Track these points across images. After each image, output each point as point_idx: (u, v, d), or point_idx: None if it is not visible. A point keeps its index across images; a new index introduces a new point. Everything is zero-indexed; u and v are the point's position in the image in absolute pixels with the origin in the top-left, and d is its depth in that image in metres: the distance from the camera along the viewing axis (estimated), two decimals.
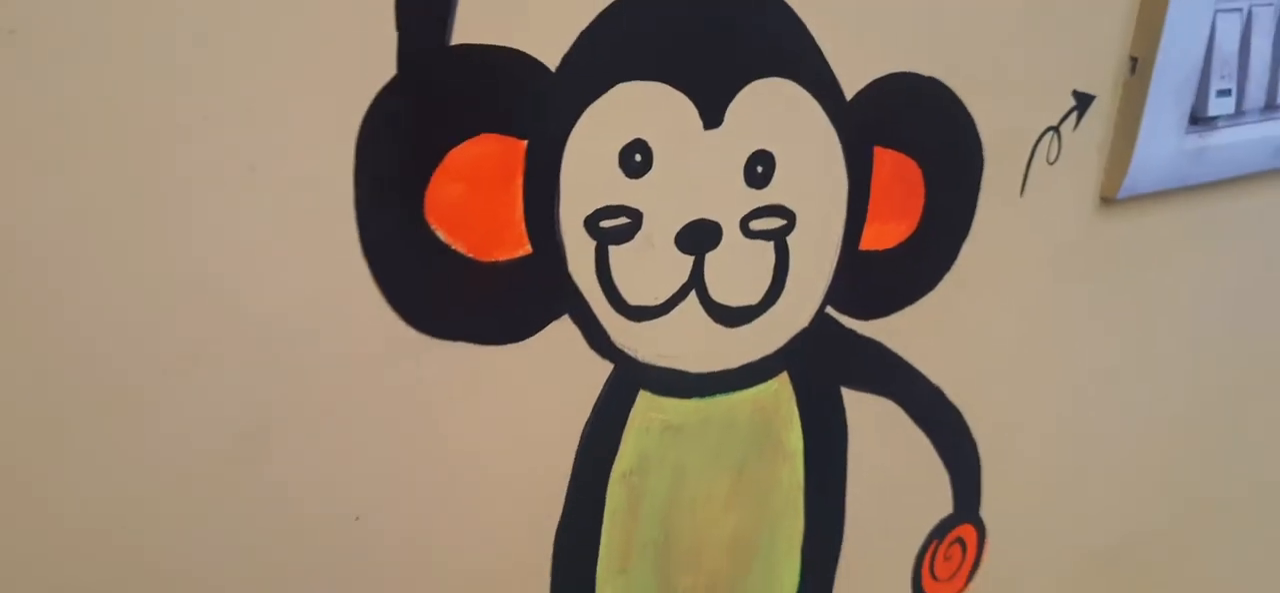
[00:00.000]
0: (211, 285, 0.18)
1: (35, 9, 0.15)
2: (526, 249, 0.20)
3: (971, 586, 0.32)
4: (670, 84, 0.21)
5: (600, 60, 0.20)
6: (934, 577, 0.31)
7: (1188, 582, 0.37)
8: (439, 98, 0.19)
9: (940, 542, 0.31)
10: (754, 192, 0.23)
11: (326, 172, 0.18)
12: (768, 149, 0.22)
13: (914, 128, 0.24)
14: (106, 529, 0.18)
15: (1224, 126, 0.29)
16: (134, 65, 0.16)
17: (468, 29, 0.18)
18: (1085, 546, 0.34)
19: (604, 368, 0.22)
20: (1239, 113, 0.29)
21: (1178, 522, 0.36)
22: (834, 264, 0.25)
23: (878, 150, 0.24)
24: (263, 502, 0.19)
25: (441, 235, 0.20)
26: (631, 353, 0.23)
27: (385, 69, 0.18)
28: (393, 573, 0.21)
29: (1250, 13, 0.28)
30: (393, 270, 0.19)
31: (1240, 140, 0.30)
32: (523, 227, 0.20)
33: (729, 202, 0.22)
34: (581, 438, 0.23)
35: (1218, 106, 0.28)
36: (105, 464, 0.18)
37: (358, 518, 0.20)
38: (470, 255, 0.20)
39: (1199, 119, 0.29)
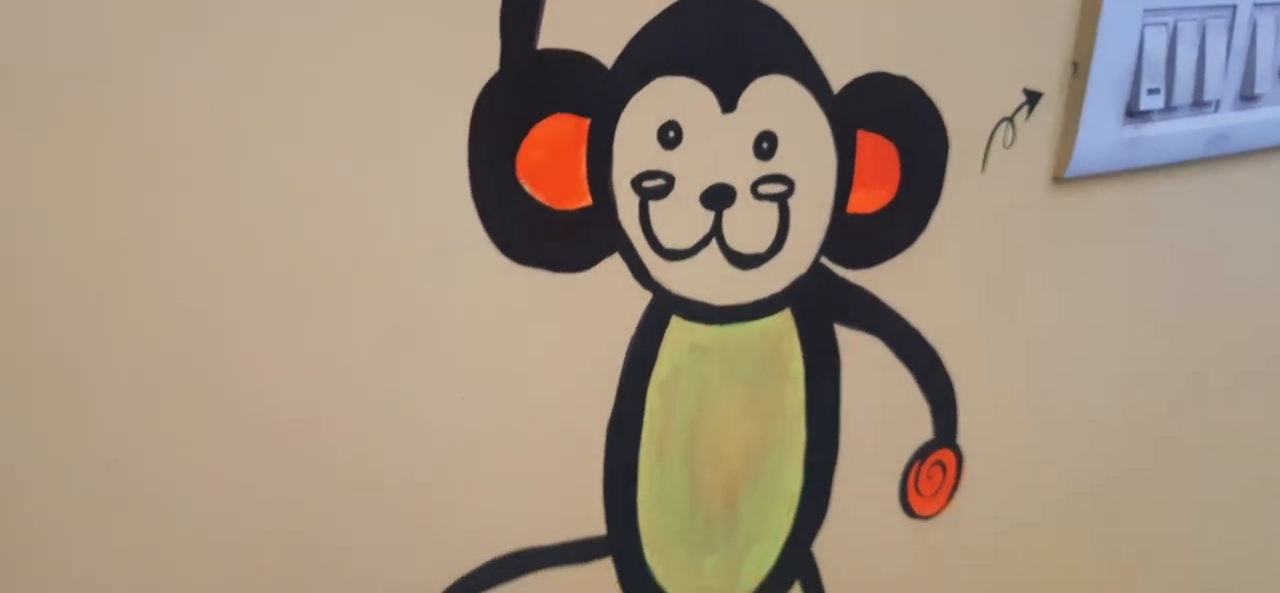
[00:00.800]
0: (374, 220, 0.25)
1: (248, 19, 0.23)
2: (588, 201, 0.27)
3: (953, 503, 0.38)
4: (696, 78, 0.28)
5: (643, 60, 0.27)
6: (919, 493, 0.37)
7: (1136, 511, 0.43)
8: (527, 87, 0.26)
9: (923, 463, 0.37)
10: (761, 163, 0.29)
11: (450, 141, 0.25)
12: (771, 130, 0.29)
13: (890, 116, 0.31)
14: (302, 397, 0.25)
15: (1157, 120, 0.36)
16: (324, 81, 0.24)
17: (548, 38, 0.26)
18: (1052, 478, 0.40)
19: (645, 297, 0.29)
20: (1169, 108, 0.36)
21: (1126, 459, 0.42)
22: (826, 223, 0.31)
23: (861, 133, 0.31)
24: (400, 374, 0.27)
25: (527, 189, 0.27)
26: (666, 286, 0.29)
27: (490, 66, 0.25)
28: (487, 445, 0.28)
29: (1176, 27, 0.35)
30: (492, 213, 0.26)
31: (1170, 132, 0.36)
32: (585, 184, 0.27)
33: (741, 169, 0.29)
34: (627, 351, 0.30)
35: (1149, 102, 0.35)
36: (305, 348, 0.25)
37: (463, 398, 0.28)
38: (547, 204, 0.27)
39: (1134, 113, 0.35)
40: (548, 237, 0.27)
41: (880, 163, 0.31)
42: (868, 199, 0.32)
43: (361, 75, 0.24)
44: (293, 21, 0.23)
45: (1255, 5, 0.36)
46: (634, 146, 0.27)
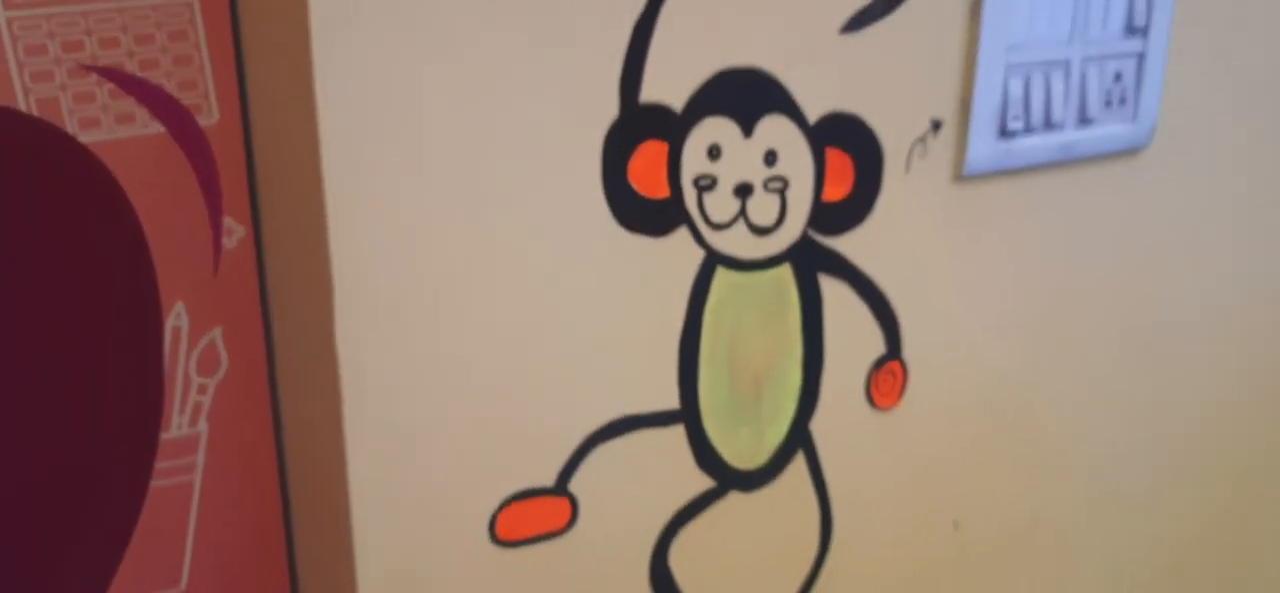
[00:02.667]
0: (554, 207, 0.43)
1: None
2: (667, 193, 0.46)
3: (903, 399, 0.56)
4: (729, 118, 0.46)
5: (699, 108, 0.45)
6: (878, 390, 0.55)
7: (1032, 409, 0.61)
8: (633, 126, 0.44)
9: (879, 370, 0.55)
10: (768, 168, 0.48)
11: (591, 157, 0.43)
12: (774, 148, 0.48)
13: (846, 138, 0.49)
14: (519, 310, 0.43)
15: (1020, 136, 0.54)
16: (528, 128, 0.42)
17: (645, 96, 0.44)
18: (971, 383, 0.58)
19: (700, 253, 0.47)
20: (1028, 129, 0.54)
21: (1019, 366, 0.60)
22: (809, 207, 0.49)
23: (828, 149, 0.49)
24: (574, 294, 0.44)
25: (633, 185, 0.45)
26: (714, 246, 0.48)
27: (613, 114, 0.43)
28: (606, 342, 0.46)
29: (1028, 75, 0.54)
30: (614, 200, 0.44)
31: (1030, 145, 0.54)
32: (666, 183, 0.45)
33: (757, 173, 0.47)
34: (692, 286, 0.47)
35: (1013, 125, 0.53)
36: (529, 271, 0.43)
37: (596, 314, 0.45)
38: (644, 194, 0.45)
39: (1004, 132, 0.54)
40: (644, 214, 0.45)
41: (841, 168, 0.50)
42: (835, 191, 0.50)
43: (550, 123, 0.42)
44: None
45: (1084, 61, 0.55)
46: (693, 159, 0.46)
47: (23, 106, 0.40)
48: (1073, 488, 0.65)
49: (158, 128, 0.42)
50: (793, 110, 0.48)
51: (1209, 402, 0.68)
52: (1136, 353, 0.64)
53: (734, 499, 0.52)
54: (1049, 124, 0.55)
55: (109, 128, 0.41)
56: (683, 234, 0.47)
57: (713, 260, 0.48)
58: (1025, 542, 0.64)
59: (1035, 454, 0.63)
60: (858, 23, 0.48)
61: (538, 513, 0.46)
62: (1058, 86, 0.55)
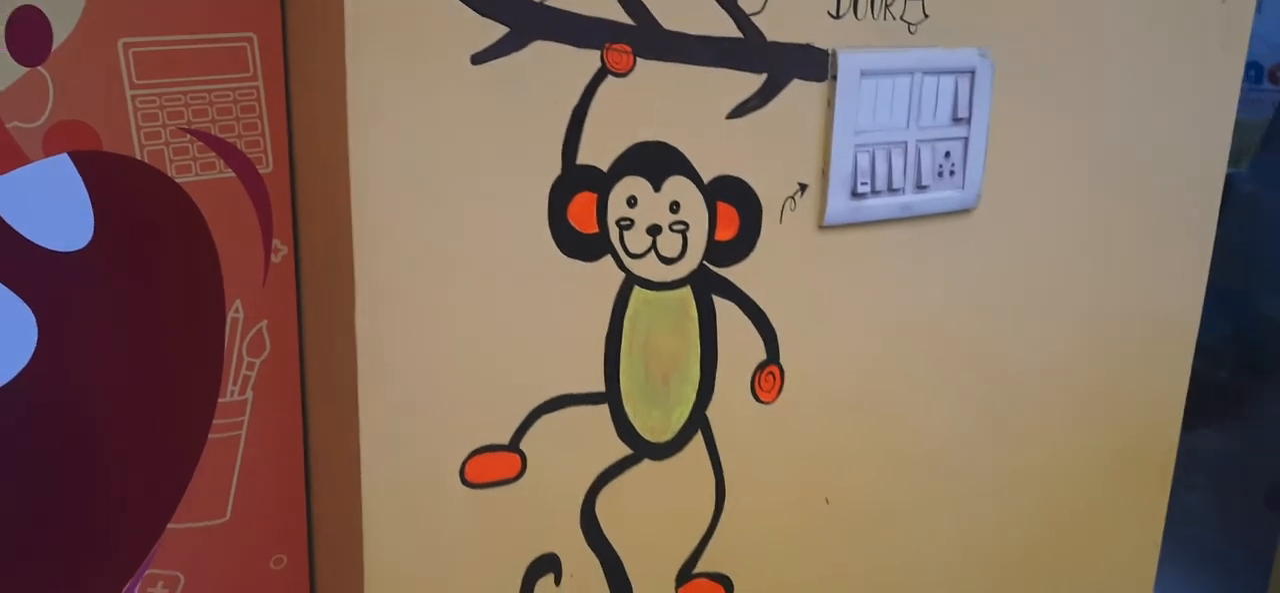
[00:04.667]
0: (515, 237, 0.59)
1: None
2: (596, 229, 0.62)
3: (782, 396, 0.72)
4: (643, 177, 0.63)
5: (621, 169, 0.62)
6: (761, 388, 0.72)
7: (884, 406, 0.77)
8: (572, 181, 0.61)
9: (761, 371, 0.71)
10: (673, 215, 0.65)
11: (540, 204, 0.60)
12: (678, 200, 0.64)
13: (732, 194, 0.66)
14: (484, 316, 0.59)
15: (869, 198, 0.72)
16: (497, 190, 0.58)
17: (581, 158, 0.61)
18: (833, 384, 0.75)
19: (621, 276, 0.64)
20: (875, 192, 0.72)
21: (875, 375, 0.76)
22: (705, 244, 0.66)
23: (719, 203, 0.66)
24: (522, 302, 0.61)
25: (571, 223, 0.61)
26: (632, 271, 0.64)
27: (556, 171, 0.60)
28: (548, 336, 0.62)
29: (873, 151, 0.71)
30: (557, 234, 0.61)
31: (877, 204, 0.72)
32: (595, 222, 0.62)
33: (664, 217, 0.64)
34: (614, 300, 0.64)
35: (862, 189, 0.71)
36: (495, 282, 0.59)
37: (543, 317, 0.62)
38: (579, 230, 0.62)
39: (855, 194, 0.71)
40: (579, 245, 0.62)
41: (729, 217, 0.67)
42: (725, 234, 0.67)
43: (511, 178, 0.59)
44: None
45: (918, 142, 0.73)
46: (616, 206, 0.63)
47: (138, 156, 0.56)
48: (925, 477, 0.81)
49: (230, 173, 0.58)
50: (691, 173, 0.65)
51: (1037, 412, 0.85)
52: (973, 367, 0.81)
53: (647, 466, 0.68)
54: (891, 188, 0.73)
55: (196, 173, 0.57)
56: (608, 261, 0.63)
57: (631, 281, 0.64)
58: (886, 520, 0.80)
59: (892, 447, 0.79)
60: (740, 111, 0.66)
61: (496, 464, 0.62)
62: (898, 161, 0.72)
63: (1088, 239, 0.84)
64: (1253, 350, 2.01)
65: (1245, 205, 2.13)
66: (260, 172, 0.59)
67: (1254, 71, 2.31)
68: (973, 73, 0.74)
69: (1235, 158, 2.32)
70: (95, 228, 0.55)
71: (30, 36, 0.52)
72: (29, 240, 0.54)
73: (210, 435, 0.60)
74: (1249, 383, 2.02)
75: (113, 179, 0.55)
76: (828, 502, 0.77)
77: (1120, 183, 0.84)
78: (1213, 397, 2.01)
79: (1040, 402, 0.86)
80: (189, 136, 0.56)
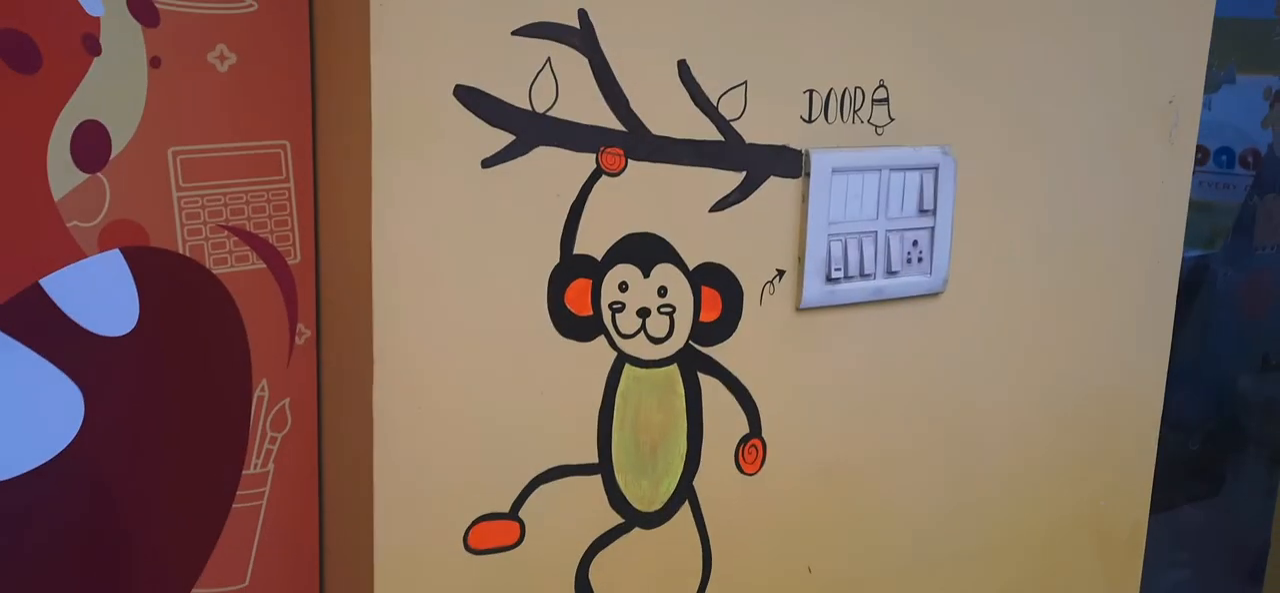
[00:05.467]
0: (517, 316, 0.65)
1: None
2: (591, 312, 0.68)
3: (764, 467, 0.78)
4: (633, 265, 0.69)
5: (613, 258, 0.68)
6: (744, 460, 0.77)
7: (864, 477, 0.83)
8: (568, 269, 0.67)
9: (744, 445, 0.77)
10: (661, 298, 0.71)
11: (540, 289, 0.66)
12: (666, 285, 0.71)
13: (715, 279, 0.73)
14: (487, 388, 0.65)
15: (842, 282, 0.78)
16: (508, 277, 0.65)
17: (577, 248, 0.67)
18: (813, 456, 0.80)
19: (613, 354, 0.70)
20: (847, 277, 0.78)
21: (852, 450, 0.82)
22: (691, 325, 0.72)
23: (703, 288, 0.72)
24: (528, 376, 0.66)
25: (568, 307, 0.67)
26: (623, 350, 0.70)
27: (555, 260, 0.67)
28: (551, 412, 0.68)
29: (846, 240, 0.78)
30: (555, 317, 0.67)
31: (850, 288, 0.78)
32: (590, 306, 0.68)
33: (653, 301, 0.70)
34: (607, 376, 0.70)
35: (836, 274, 0.77)
36: (495, 350, 0.65)
37: (541, 393, 0.67)
38: (575, 313, 0.68)
39: (829, 279, 0.77)
40: (575, 327, 0.68)
41: (712, 300, 0.73)
42: (709, 315, 0.73)
43: (514, 266, 0.65)
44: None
45: (887, 232, 0.80)
46: (609, 291, 0.69)
47: (180, 250, 0.62)
48: (900, 546, 0.86)
49: (261, 265, 0.64)
50: (678, 260, 0.71)
51: (1006, 484, 0.91)
52: (943, 442, 0.87)
53: (637, 534, 0.73)
54: (863, 274, 0.79)
55: (231, 264, 0.63)
56: (601, 341, 0.69)
57: (622, 359, 0.70)
58: (867, 584, 0.85)
59: (868, 518, 0.84)
60: (722, 205, 0.72)
61: (496, 531, 0.67)
62: (868, 249, 0.79)
63: (1051, 319, 0.90)
64: (1229, 426, 2.06)
65: (1219, 285, 2.21)
66: (288, 263, 0.65)
67: (1226, 157, 2.40)
68: (936, 169, 0.81)
69: (1209, 240, 2.40)
70: (140, 314, 0.61)
71: (92, 147, 0.59)
72: (81, 326, 0.60)
73: (234, 505, 0.66)
74: (1227, 458, 2.07)
75: (157, 271, 0.61)
76: (810, 571, 0.82)
77: (1079, 266, 0.90)
78: (1192, 473, 2.06)
79: (1009, 474, 0.91)
80: (226, 232, 0.63)
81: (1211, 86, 2.02)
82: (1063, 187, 0.88)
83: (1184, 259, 1.01)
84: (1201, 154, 2.43)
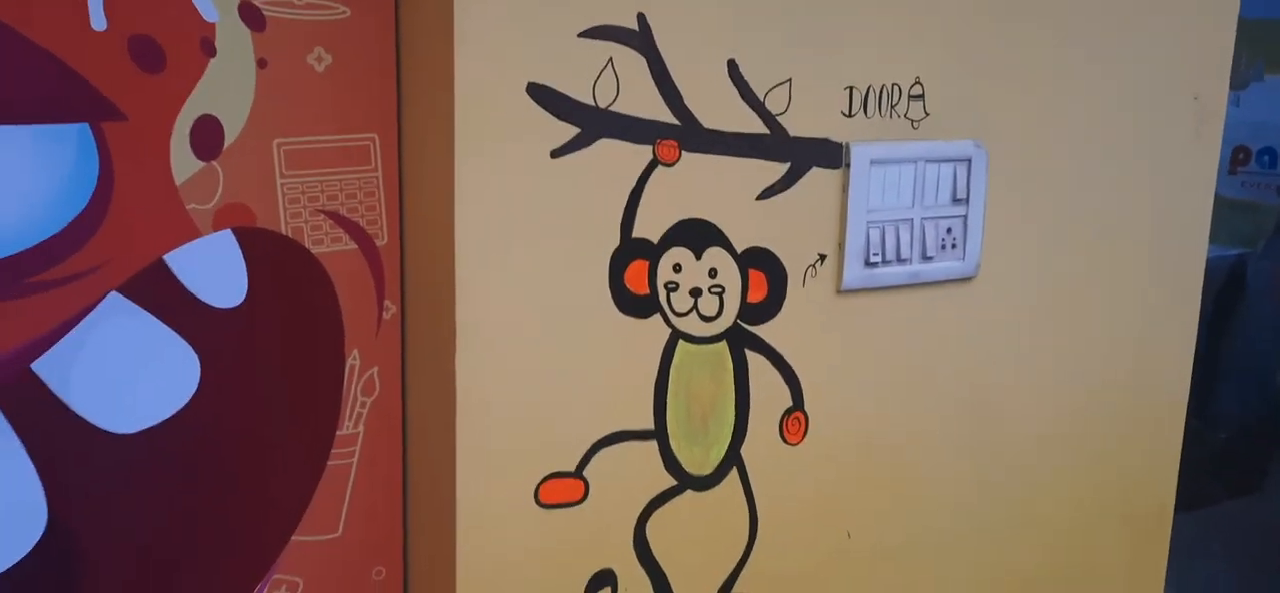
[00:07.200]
0: (579, 296, 0.72)
1: None
2: (648, 292, 0.75)
3: (806, 438, 0.84)
4: (687, 249, 0.75)
5: (667, 241, 0.75)
6: (788, 431, 0.83)
7: (897, 452, 0.88)
8: (628, 251, 0.73)
9: (788, 416, 0.83)
10: (711, 280, 0.77)
11: (602, 270, 0.73)
12: (716, 267, 0.77)
13: (761, 263, 0.79)
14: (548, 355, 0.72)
15: (880, 267, 0.84)
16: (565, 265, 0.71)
17: (636, 233, 0.73)
18: (852, 428, 0.86)
19: (667, 331, 0.76)
20: (885, 262, 0.84)
21: (888, 424, 0.87)
22: (738, 305, 0.78)
23: (750, 270, 0.79)
24: (590, 347, 0.73)
25: (627, 287, 0.74)
26: (677, 326, 0.76)
27: (615, 243, 0.73)
28: (609, 381, 0.74)
29: (883, 227, 0.83)
30: (616, 296, 0.73)
31: (888, 272, 0.84)
32: (647, 286, 0.75)
33: (704, 282, 0.77)
34: (662, 351, 0.76)
35: (874, 259, 0.83)
36: (554, 324, 0.72)
37: (604, 364, 0.74)
38: (634, 292, 0.74)
39: (868, 263, 0.83)
40: (634, 303, 0.75)
41: (759, 282, 0.79)
42: (756, 296, 0.79)
43: (580, 250, 0.72)
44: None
45: (922, 220, 0.85)
46: (664, 272, 0.75)
47: (283, 231, 0.70)
48: (931, 517, 0.92)
49: (352, 246, 0.72)
50: (727, 245, 0.77)
51: (1032, 461, 0.96)
52: (974, 419, 0.92)
53: (690, 495, 0.80)
54: (900, 259, 0.85)
55: (326, 245, 0.71)
56: (657, 318, 0.76)
57: (676, 335, 0.77)
58: (901, 554, 0.91)
59: (902, 488, 0.90)
60: (768, 194, 0.78)
61: (563, 488, 0.74)
62: (905, 236, 0.85)
63: (1079, 305, 0.95)
64: (1270, 422, 2.07)
65: (1260, 283, 2.22)
66: (376, 245, 0.72)
67: (1268, 157, 2.40)
68: (969, 161, 0.86)
69: (1251, 239, 2.41)
70: (248, 288, 0.69)
71: (208, 138, 0.67)
72: (198, 298, 0.67)
73: (328, 462, 0.73)
74: (1267, 453, 2.08)
75: (263, 250, 0.69)
76: (849, 536, 0.88)
77: (1107, 255, 0.95)
78: (1233, 468, 2.08)
79: (1035, 451, 0.96)
80: (322, 216, 0.70)
81: (1240, 84, 2.04)
82: (1090, 180, 0.93)
83: (1226, 257, 1.05)
84: (1243, 155, 2.45)
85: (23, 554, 0.65)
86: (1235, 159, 2.34)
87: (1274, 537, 1.99)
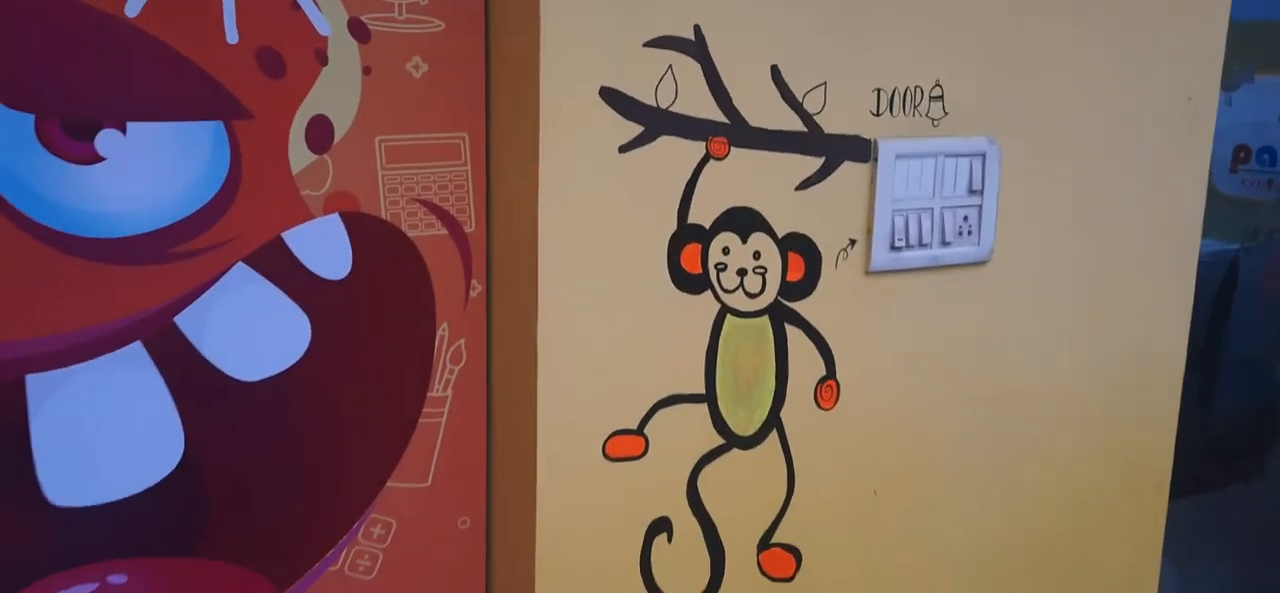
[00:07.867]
0: (641, 275, 0.82)
1: None
2: (700, 271, 0.84)
3: (838, 404, 0.93)
4: (733, 232, 0.85)
5: (718, 226, 0.84)
6: (822, 398, 0.92)
7: (923, 420, 0.97)
8: (684, 236, 0.83)
9: (821, 384, 0.92)
10: (756, 261, 0.87)
11: (661, 252, 0.82)
12: (759, 250, 0.86)
13: (799, 246, 0.88)
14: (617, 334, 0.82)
15: (904, 250, 0.93)
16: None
17: (691, 218, 0.83)
18: (881, 398, 0.95)
19: (717, 306, 0.86)
20: (908, 246, 0.93)
21: (911, 392, 0.97)
22: (779, 283, 0.88)
23: (789, 252, 0.88)
24: (651, 320, 0.83)
25: (683, 266, 0.84)
26: (726, 302, 0.86)
27: (672, 227, 0.83)
28: (667, 352, 0.84)
29: (908, 215, 0.93)
30: (673, 274, 0.83)
31: (911, 255, 0.93)
32: (700, 266, 0.84)
33: (749, 263, 0.86)
34: (712, 325, 0.86)
35: (899, 243, 0.92)
36: (618, 304, 0.81)
37: (661, 335, 0.83)
38: (688, 272, 0.84)
39: (893, 247, 0.92)
40: (688, 281, 0.84)
41: (797, 264, 0.89)
42: (794, 276, 0.89)
43: (642, 234, 0.81)
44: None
45: (942, 209, 0.95)
46: (714, 254, 0.85)
47: (383, 216, 0.80)
48: (949, 480, 1.01)
49: (444, 232, 0.82)
50: (769, 230, 0.87)
51: (1041, 430, 1.05)
52: (988, 389, 1.01)
53: (735, 453, 0.89)
54: (922, 244, 0.94)
55: (422, 230, 0.81)
56: (708, 295, 0.85)
57: (724, 310, 0.86)
58: (922, 512, 1.00)
59: (923, 453, 0.99)
60: (805, 185, 0.88)
61: (627, 444, 0.84)
62: (926, 223, 0.94)
63: (1083, 288, 1.04)
64: (1270, 410, 2.16)
65: (1256, 276, 2.31)
66: (465, 230, 0.82)
67: (1268, 155, 2.49)
68: (984, 155, 0.96)
69: (1253, 235, 2.50)
70: (352, 264, 0.79)
71: (320, 134, 0.76)
72: (310, 270, 0.78)
73: (420, 420, 0.83)
74: (1266, 441, 2.17)
75: (366, 232, 0.79)
76: (876, 493, 0.97)
77: (1108, 243, 1.04)
78: (1235, 454, 2.17)
79: (1044, 422, 1.05)
80: (418, 204, 0.80)
81: (1232, 85, 2.12)
82: (1093, 174, 1.02)
83: (1227, 252, 1.14)
84: (1244, 153, 2.53)
85: (164, 475, 0.75)
86: (1237, 157, 2.43)
87: (1273, 522, 2.08)
